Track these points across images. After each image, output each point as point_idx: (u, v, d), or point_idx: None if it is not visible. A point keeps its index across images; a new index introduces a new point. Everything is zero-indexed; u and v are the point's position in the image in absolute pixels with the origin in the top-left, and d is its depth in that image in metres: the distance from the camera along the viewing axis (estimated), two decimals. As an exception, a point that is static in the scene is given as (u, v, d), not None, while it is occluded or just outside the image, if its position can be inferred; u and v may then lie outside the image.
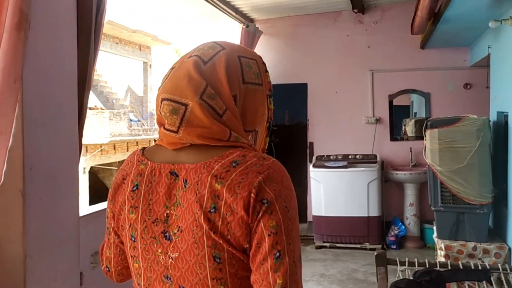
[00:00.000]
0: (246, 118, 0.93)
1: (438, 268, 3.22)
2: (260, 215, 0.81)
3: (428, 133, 3.93)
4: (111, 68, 17.14)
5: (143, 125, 16.20)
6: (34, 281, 2.20)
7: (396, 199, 5.63)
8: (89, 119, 13.58)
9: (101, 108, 15.14)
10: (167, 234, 0.87)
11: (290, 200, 0.86)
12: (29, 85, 2.18)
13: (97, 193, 13.15)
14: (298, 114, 6.38)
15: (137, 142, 15.70)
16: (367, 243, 5.30)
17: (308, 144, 5.95)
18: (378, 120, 5.72)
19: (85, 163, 13.74)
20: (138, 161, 0.95)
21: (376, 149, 5.67)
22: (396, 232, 5.35)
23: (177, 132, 0.89)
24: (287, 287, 0.81)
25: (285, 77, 5.98)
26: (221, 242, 0.82)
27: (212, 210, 0.82)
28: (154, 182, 0.90)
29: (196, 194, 0.84)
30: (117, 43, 15.23)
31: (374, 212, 5.27)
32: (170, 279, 0.88)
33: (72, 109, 2.52)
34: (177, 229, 0.86)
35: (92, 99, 15.85)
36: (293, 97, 6.33)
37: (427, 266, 3.25)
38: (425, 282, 3.01)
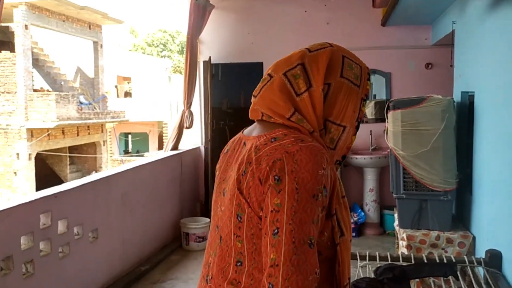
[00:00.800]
0: (333, 110, 0.99)
1: (400, 262, 2.95)
2: (269, 189, 0.88)
3: (390, 115, 3.64)
4: (58, 47, 16.09)
5: (95, 108, 15.37)
6: None
7: (355, 185, 5.38)
8: (33, 102, 12.69)
9: (48, 90, 14.20)
10: (224, 191, 1.00)
11: (305, 184, 0.86)
12: None
13: (46, 180, 12.35)
14: (250, 95, 5.99)
15: (88, 127, 14.89)
16: (326, 232, 5.03)
17: (264, 127, 5.58)
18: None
19: (31, 149, 12.89)
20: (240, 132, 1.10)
21: (335, 132, 5.37)
22: (355, 219, 5.11)
23: (255, 97, 1.07)
24: (279, 264, 0.84)
25: (239, 55, 5.57)
26: (243, 201, 0.92)
27: (243, 174, 0.92)
28: (235, 149, 1.04)
29: (240, 160, 0.95)
30: (63, 21, 14.24)
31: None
32: (218, 228, 1.00)
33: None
34: (227, 188, 0.98)
35: (38, 81, 14.84)
36: (248, 77, 5.92)
37: (389, 261, 2.98)
38: (387, 280, 2.73)
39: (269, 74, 1.04)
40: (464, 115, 3.78)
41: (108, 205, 3.57)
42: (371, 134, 5.32)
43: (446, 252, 3.50)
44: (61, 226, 3.01)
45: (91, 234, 3.33)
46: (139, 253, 4.06)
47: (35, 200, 2.80)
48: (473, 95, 3.52)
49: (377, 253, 3.00)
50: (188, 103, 5.09)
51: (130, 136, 21.69)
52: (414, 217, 3.64)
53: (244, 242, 0.92)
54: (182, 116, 5.08)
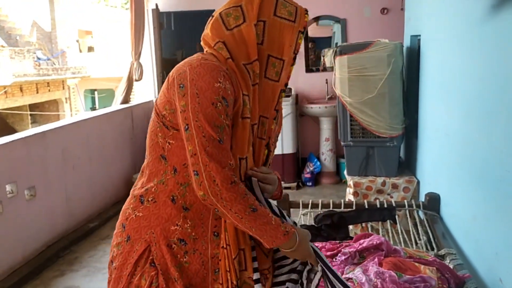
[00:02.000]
0: (273, 45, 1.17)
1: (342, 209, 2.95)
2: (176, 94, 1.08)
3: (337, 60, 3.55)
4: (12, 0, 15.15)
5: (54, 64, 14.73)
6: None
7: (312, 135, 5.34)
8: (-14, 58, 12.04)
9: (2, 46, 13.48)
10: None
11: (204, 92, 1.05)
12: None
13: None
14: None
15: (48, 83, 14.32)
16: (282, 182, 5.01)
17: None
18: (292, 50, 5.26)
19: (-13, 108, 12.38)
20: None
21: (291, 82, 5.23)
22: (311, 168, 5.11)
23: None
24: (197, 153, 1.04)
25: (190, 3, 5.30)
26: (155, 108, 1.16)
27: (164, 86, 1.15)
28: None
29: None
30: (14, -30, 13.32)
31: (289, 149, 4.96)
32: None
33: None
34: None
35: (-9, 36, 14.04)
36: (201, 26, 5.67)
37: (331, 208, 2.98)
38: (325, 227, 2.72)
39: (212, 15, 1.22)
40: (413, 59, 3.71)
41: (46, 162, 3.41)
42: (326, 82, 5.23)
43: (391, 197, 3.53)
44: (-10, 185, 2.86)
45: (27, 191, 3.19)
46: (87, 209, 3.97)
47: (-45, 158, 2.63)
48: (420, 39, 3.44)
49: (319, 201, 2.99)
50: (136, 54, 4.86)
51: (96, 92, 21.08)
52: (361, 164, 3.63)
53: (148, 138, 1.18)
54: (130, 68, 4.86)
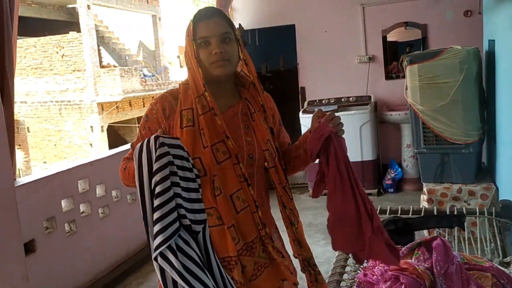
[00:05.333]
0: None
1: (410, 215, 3.02)
2: None
3: (408, 69, 3.61)
4: (121, 24, 16.88)
5: (158, 79, 16.09)
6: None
7: (393, 141, 5.35)
8: (101, 78, 13.56)
9: (114, 66, 15.08)
10: None
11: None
12: None
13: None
14: (289, 58, 6.06)
15: (152, 97, 15.68)
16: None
17: (299, 89, 5.66)
18: (371, 59, 5.34)
19: (102, 121, 13.90)
20: None
21: (371, 89, 5.34)
22: (392, 175, 5.12)
23: None
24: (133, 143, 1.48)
25: (271, 19, 5.63)
26: None
27: None
28: None
29: None
30: (122, -2, 14.87)
31: (368, 156, 5.03)
32: None
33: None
34: None
35: (105, 57, 15.76)
36: (284, 40, 5.98)
37: (399, 214, 3.06)
38: (389, 233, 2.83)
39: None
40: (491, 64, 3.63)
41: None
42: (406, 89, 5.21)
43: (469, 204, 3.49)
44: (99, 190, 3.41)
45: (129, 196, 3.72)
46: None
47: (72, 168, 3.20)
48: (494, 43, 3.38)
49: (387, 207, 3.08)
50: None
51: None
52: (436, 171, 3.64)
53: None
54: (217, 84, 5.31)
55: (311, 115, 5.13)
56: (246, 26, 5.66)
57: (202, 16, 1.43)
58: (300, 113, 5.22)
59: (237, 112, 1.48)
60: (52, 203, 2.97)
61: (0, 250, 2.38)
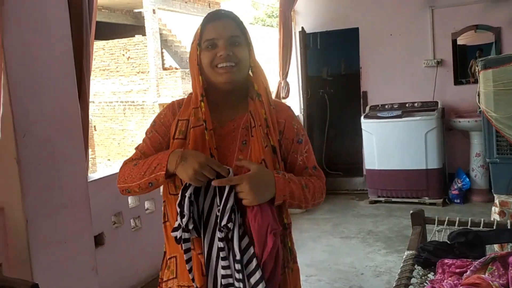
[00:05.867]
0: None
1: (481, 227, 2.86)
2: None
3: (481, 74, 3.43)
4: (183, 27, 17.34)
5: (216, 82, 16.38)
6: (38, 244, 2.28)
7: (461, 150, 5.10)
8: (163, 80, 14.01)
9: (176, 68, 15.52)
10: None
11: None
12: (13, 54, 2.18)
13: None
14: (351, 62, 5.96)
15: (211, 100, 15.99)
16: (426, 197, 4.91)
17: (361, 94, 5.55)
18: (439, 63, 5.13)
19: (168, 122, 14.34)
20: None
21: (438, 95, 5.12)
22: (459, 185, 4.88)
23: None
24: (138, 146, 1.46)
25: (333, 22, 5.56)
26: None
27: None
28: None
29: None
30: (186, 2, 15.30)
31: (434, 164, 4.83)
32: None
33: (69, 76, 2.50)
34: None
35: (168, 60, 16.27)
36: (347, 44, 5.89)
37: (469, 226, 2.90)
38: (459, 245, 2.69)
39: None
40: None
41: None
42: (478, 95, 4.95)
43: (546, 219, 3.24)
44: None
45: (191, 196, 3.79)
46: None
47: (139, 166, 3.32)
48: None
49: (456, 218, 2.93)
50: (284, 73, 5.29)
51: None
52: (510, 183, 3.44)
53: None
54: (278, 87, 5.32)
55: (373, 120, 5.05)
56: (308, 30, 5.63)
57: (210, 19, 1.34)
58: (362, 118, 5.11)
59: (238, 126, 1.34)
60: (120, 199, 3.09)
61: (73, 242, 2.50)
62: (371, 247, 3.90)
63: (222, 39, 1.29)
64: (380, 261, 3.61)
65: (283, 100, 5.52)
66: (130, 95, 14.84)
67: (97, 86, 15.16)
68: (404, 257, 2.73)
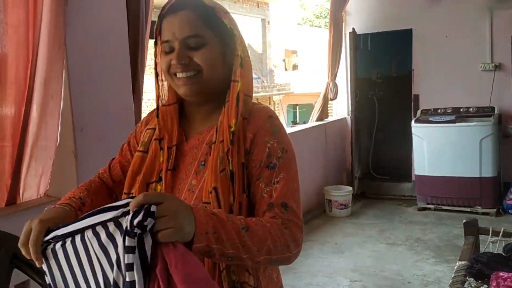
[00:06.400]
0: None
1: (540, 241, 2.70)
2: None
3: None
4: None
5: (263, 82, 16.44)
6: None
7: (518, 158, 4.86)
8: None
9: (222, 67, 15.71)
10: None
11: None
12: (74, 51, 2.28)
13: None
14: (402, 64, 5.81)
15: (257, 99, 16.07)
16: (479, 207, 4.71)
17: (413, 97, 5.39)
18: (497, 67, 4.90)
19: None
20: None
21: (495, 100, 4.90)
22: (513, 196, 4.65)
23: None
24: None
25: (386, 23, 5.44)
26: None
27: None
28: None
29: None
30: (235, 2, 15.43)
31: (488, 172, 4.62)
32: None
33: (124, 74, 2.58)
34: None
35: (215, 59, 16.51)
36: (399, 45, 5.75)
37: (527, 239, 2.75)
38: (516, 258, 2.56)
39: None
40: None
41: (251, 170, 4.01)
42: (539, 100, 4.71)
43: None
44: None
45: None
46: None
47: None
48: None
49: (513, 230, 2.79)
50: (332, 74, 5.23)
51: (298, 107, 22.58)
52: None
53: None
54: (326, 88, 5.26)
55: (424, 125, 4.90)
56: (358, 31, 5.53)
57: (166, 12, 1.03)
58: (413, 122, 4.96)
59: (204, 141, 1.06)
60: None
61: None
62: (419, 256, 3.78)
63: (177, 42, 1.01)
64: (428, 270, 3.49)
65: (330, 102, 5.47)
66: (177, 93, 15.15)
67: (146, 83, 15.55)
68: (455, 267, 2.63)
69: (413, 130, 4.93)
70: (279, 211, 0.96)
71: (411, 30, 5.32)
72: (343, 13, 5.42)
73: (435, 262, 3.63)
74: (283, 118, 19.90)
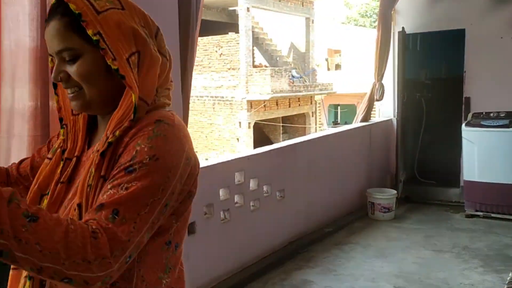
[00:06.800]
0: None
1: None
2: None
3: None
4: (275, 26, 17.52)
5: (305, 81, 16.34)
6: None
7: None
8: (252, 77, 14.27)
9: (265, 66, 15.73)
10: None
11: None
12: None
13: (261, 145, 13.93)
14: (452, 65, 5.60)
15: (298, 99, 15.98)
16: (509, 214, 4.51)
17: (463, 99, 5.19)
18: (556, 69, 4.65)
19: (250, 118, 14.62)
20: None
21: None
22: None
23: None
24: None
25: (437, 23, 5.26)
26: None
27: None
28: None
29: None
30: (279, 0, 15.42)
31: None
32: None
33: (174, 71, 2.60)
34: None
35: (258, 57, 16.56)
36: (450, 46, 5.55)
37: None
38: None
39: None
40: None
41: (295, 170, 3.99)
42: None
43: None
44: (252, 184, 3.55)
45: (278, 193, 3.81)
46: (323, 216, 4.41)
47: (231, 160, 3.39)
48: None
49: None
50: (379, 75, 5.12)
51: (339, 107, 22.30)
52: None
53: None
54: (372, 89, 5.15)
55: (476, 129, 4.73)
56: (408, 30, 5.38)
57: (46, 20, 0.92)
58: (463, 125, 4.78)
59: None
60: (212, 191, 3.18)
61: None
62: (467, 264, 3.63)
63: (54, 55, 0.92)
64: (476, 280, 3.35)
65: (376, 104, 5.35)
66: (220, 91, 15.30)
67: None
68: (508, 278, 2.51)
69: (464, 134, 4.74)
70: (104, 216, 0.78)
71: (463, 30, 5.12)
72: (392, 12, 5.28)
73: (483, 272, 3.48)
74: (324, 118, 19.74)
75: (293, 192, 3.97)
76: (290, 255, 3.79)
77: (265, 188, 3.67)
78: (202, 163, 3.58)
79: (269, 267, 3.57)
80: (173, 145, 0.87)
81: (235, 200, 3.42)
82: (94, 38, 0.86)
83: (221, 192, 3.28)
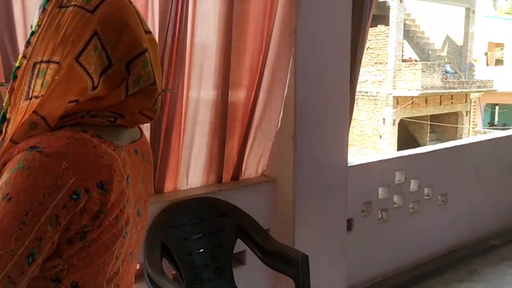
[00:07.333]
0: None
1: None
2: None
3: None
4: (429, 17, 16.38)
5: (460, 77, 15.00)
6: (302, 218, 2.46)
7: None
8: (401, 72, 13.61)
9: (415, 60, 14.85)
10: (139, 211, 0.87)
11: None
12: (302, 39, 2.35)
13: (406, 145, 13.20)
14: None
15: (451, 96, 14.76)
16: None
17: None
18: None
19: (395, 115, 13.97)
20: (114, 150, 0.77)
21: None
22: None
23: None
24: None
25: None
26: None
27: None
28: (131, 166, 0.81)
29: (151, 164, 0.93)
30: (437, -10, 14.38)
31: None
32: (131, 254, 0.87)
33: (344, 64, 2.57)
34: (143, 203, 0.88)
35: (407, 51, 15.70)
36: None
37: None
38: None
39: None
40: None
41: (459, 173, 3.66)
42: None
43: None
44: (413, 185, 3.34)
45: (440, 197, 3.53)
46: (489, 226, 3.98)
47: (392, 158, 3.23)
48: None
49: None
50: None
51: (497, 107, 20.06)
52: None
53: None
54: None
55: None
56: None
57: None
58: None
59: None
60: (370, 189, 3.08)
61: (329, 222, 2.60)
62: None
63: None
64: None
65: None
66: (364, 85, 14.88)
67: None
68: None
69: None
70: None
71: None
72: None
73: None
74: (479, 118, 17.94)
75: (457, 197, 3.65)
76: (450, 265, 3.49)
77: (426, 190, 3.43)
78: (363, 158, 3.49)
79: (427, 275, 3.34)
80: (37, 182, 0.67)
81: (394, 200, 3.26)
82: (32, 29, 0.75)
83: (380, 190, 3.15)
